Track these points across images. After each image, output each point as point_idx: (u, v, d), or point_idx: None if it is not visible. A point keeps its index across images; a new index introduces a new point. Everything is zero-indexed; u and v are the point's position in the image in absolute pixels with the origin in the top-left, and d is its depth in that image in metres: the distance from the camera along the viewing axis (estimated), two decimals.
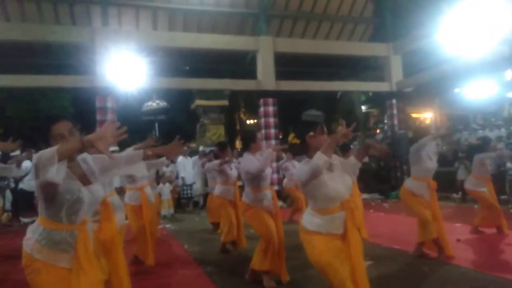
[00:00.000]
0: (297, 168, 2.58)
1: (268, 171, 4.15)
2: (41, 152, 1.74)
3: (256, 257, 3.93)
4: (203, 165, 8.02)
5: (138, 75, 9.87)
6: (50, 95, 15.98)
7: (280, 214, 4.17)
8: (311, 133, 2.51)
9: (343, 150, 5.73)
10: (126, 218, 4.53)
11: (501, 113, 12.82)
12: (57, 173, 1.73)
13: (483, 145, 5.96)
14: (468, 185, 6.05)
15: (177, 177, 10.69)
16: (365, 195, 11.21)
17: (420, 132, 5.06)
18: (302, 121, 2.76)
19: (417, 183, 4.72)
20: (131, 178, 4.78)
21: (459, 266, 4.29)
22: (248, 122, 18.20)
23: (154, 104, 15.34)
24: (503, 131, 10.81)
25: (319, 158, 2.29)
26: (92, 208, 2.16)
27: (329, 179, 2.44)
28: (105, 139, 1.74)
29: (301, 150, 2.58)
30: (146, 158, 2.67)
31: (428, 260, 4.53)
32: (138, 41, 10.42)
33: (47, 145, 1.97)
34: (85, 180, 2.06)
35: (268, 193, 4.10)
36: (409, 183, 4.84)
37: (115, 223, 3.03)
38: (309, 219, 2.52)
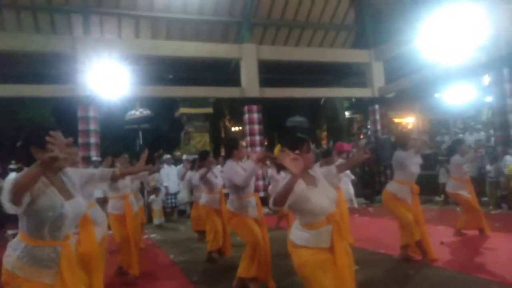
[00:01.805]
0: (281, 179, 2.57)
1: (252, 178, 4.14)
2: (8, 180, 1.72)
3: (243, 264, 3.90)
4: (182, 177, 7.89)
5: (121, 83, 9.77)
6: (30, 105, 15.66)
7: (265, 221, 4.15)
8: (297, 152, 2.49)
9: (325, 156, 5.77)
10: (109, 228, 4.46)
11: (480, 117, 13.13)
12: (14, 205, 1.75)
13: (453, 147, 6.06)
14: (448, 188, 6.14)
15: (160, 187, 10.58)
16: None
17: (400, 138, 5.08)
18: (290, 137, 2.76)
19: (400, 187, 4.75)
20: (114, 187, 4.71)
21: (444, 268, 4.33)
22: (233, 129, 18.17)
23: (137, 112, 15.16)
24: (482, 135, 11.06)
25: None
26: (75, 222, 2.13)
27: (312, 194, 2.43)
28: (60, 153, 1.69)
29: (284, 168, 2.56)
30: (114, 178, 2.64)
31: (413, 263, 4.56)
32: (121, 49, 10.33)
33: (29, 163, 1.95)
34: (67, 194, 2.03)
35: (253, 200, 4.08)
36: (392, 187, 4.86)
37: (94, 236, 2.97)
38: (296, 234, 2.53)
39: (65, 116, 11.99)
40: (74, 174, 2.15)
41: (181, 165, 10.03)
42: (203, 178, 5.40)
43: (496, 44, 8.72)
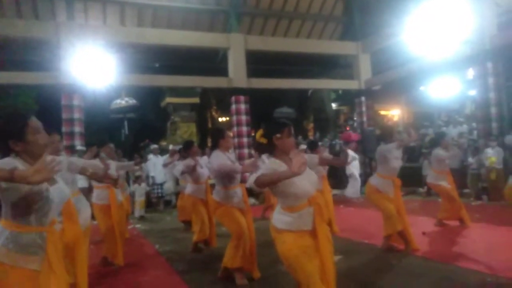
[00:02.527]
0: (265, 166, 2.59)
1: (237, 167, 4.14)
2: None
3: (228, 254, 3.92)
4: (166, 165, 7.88)
5: (106, 71, 9.59)
6: (13, 93, 15.30)
7: (251, 211, 4.17)
8: (278, 135, 2.55)
9: (311, 148, 5.83)
10: (94, 218, 4.42)
11: (463, 110, 13.37)
12: None
13: (436, 140, 6.26)
14: (429, 180, 6.30)
15: (147, 176, 10.52)
16: (336, 191, 11.43)
17: (385, 131, 5.22)
18: (272, 121, 2.80)
19: (383, 181, 4.86)
20: None
21: (426, 258, 4.43)
22: (220, 119, 18.11)
23: (123, 101, 14.96)
24: (465, 128, 11.27)
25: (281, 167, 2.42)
26: (60, 207, 2.12)
27: (295, 178, 2.45)
28: (41, 174, 1.69)
29: (267, 150, 2.64)
30: (83, 172, 2.59)
31: (396, 253, 4.65)
32: (106, 36, 10.13)
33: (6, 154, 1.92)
34: (51, 181, 2.03)
35: (239, 190, 4.09)
36: (374, 180, 4.97)
37: (78, 225, 2.94)
38: (279, 218, 2.56)
39: (49, 104, 11.76)
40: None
41: (167, 155, 10.00)
42: (187, 172, 5.42)
43: (480, 39, 8.84)
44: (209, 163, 4.57)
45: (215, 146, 4.13)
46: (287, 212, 2.52)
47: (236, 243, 3.86)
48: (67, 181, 2.54)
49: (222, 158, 3.99)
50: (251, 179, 2.48)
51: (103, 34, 10.13)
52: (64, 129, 9.47)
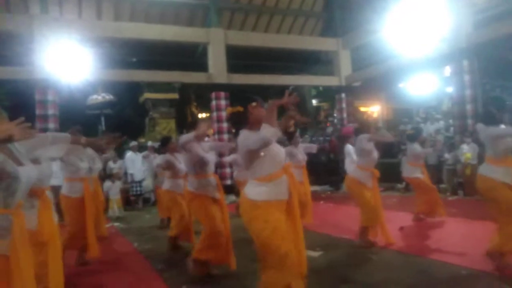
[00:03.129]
0: (243, 137, 2.59)
1: (212, 157, 4.17)
2: None
3: (200, 246, 3.90)
4: (145, 156, 7.75)
5: (82, 66, 9.37)
6: None
7: (225, 203, 4.16)
8: (254, 104, 2.65)
9: (289, 138, 5.87)
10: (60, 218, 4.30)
11: (440, 107, 13.64)
12: None
13: (415, 135, 6.40)
14: (405, 173, 6.43)
15: (125, 174, 10.32)
16: (316, 187, 11.49)
17: (361, 125, 5.31)
18: (242, 96, 2.87)
19: (362, 172, 4.93)
20: (73, 167, 4.50)
21: (404, 252, 4.50)
22: (200, 116, 17.94)
23: (99, 97, 14.60)
24: (441, 124, 11.49)
25: (268, 131, 2.40)
26: (27, 189, 2.05)
27: (272, 145, 2.58)
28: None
29: (242, 119, 2.67)
30: (75, 142, 2.51)
31: (375, 248, 4.69)
32: (81, 30, 9.87)
33: None
34: (16, 162, 1.96)
35: (213, 179, 4.07)
36: (355, 172, 5.02)
37: (53, 216, 2.82)
38: (256, 190, 2.58)
39: (22, 100, 11.38)
40: (20, 144, 2.05)
41: (146, 151, 9.84)
42: (165, 168, 5.36)
43: (457, 37, 9.01)
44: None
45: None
46: (264, 182, 2.55)
47: (209, 235, 3.84)
48: (43, 174, 2.44)
49: (193, 146, 3.99)
50: (255, 138, 2.46)
51: (79, 28, 9.86)
52: (38, 125, 9.20)
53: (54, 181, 4.68)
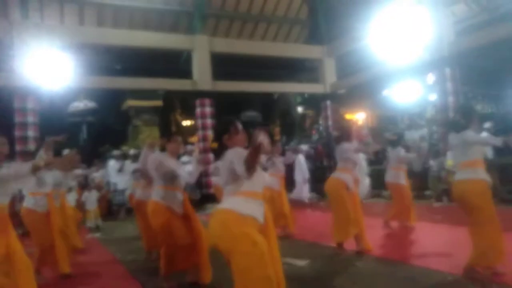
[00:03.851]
0: (234, 152, 2.47)
1: (183, 173, 4.11)
2: None
3: (163, 262, 3.85)
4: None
5: (63, 73, 9.18)
6: None
7: (195, 214, 4.06)
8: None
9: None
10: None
11: (424, 114, 13.82)
12: None
13: (397, 140, 6.56)
14: (388, 178, 6.42)
15: (107, 183, 10.09)
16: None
17: (343, 132, 5.35)
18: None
19: (348, 176, 4.90)
20: (39, 181, 4.37)
21: (390, 259, 4.52)
22: (184, 123, 17.78)
23: (81, 104, 14.34)
24: (425, 131, 11.63)
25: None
26: None
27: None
28: None
29: (222, 152, 2.57)
30: (37, 170, 2.41)
31: (361, 256, 4.68)
32: (63, 37, 9.68)
33: None
34: None
35: (179, 194, 3.99)
36: (342, 176, 4.93)
37: (14, 235, 2.69)
38: (242, 203, 2.40)
39: (0, 107, 11.08)
40: None
41: (128, 160, 9.65)
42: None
43: (439, 46, 9.15)
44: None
45: (163, 150, 4.10)
46: (249, 198, 2.42)
47: (165, 252, 3.82)
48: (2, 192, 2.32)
49: (162, 159, 3.99)
50: (245, 168, 2.31)
51: (61, 34, 9.68)
52: (17, 133, 8.94)
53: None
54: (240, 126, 2.61)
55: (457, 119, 3.79)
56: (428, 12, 8.87)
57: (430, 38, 8.93)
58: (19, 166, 2.17)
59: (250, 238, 2.28)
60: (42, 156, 4.47)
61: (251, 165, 2.27)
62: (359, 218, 4.81)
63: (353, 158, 4.90)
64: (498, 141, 3.63)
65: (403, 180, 6.23)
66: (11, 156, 4.25)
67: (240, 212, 2.36)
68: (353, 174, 4.94)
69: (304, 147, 11.90)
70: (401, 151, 6.28)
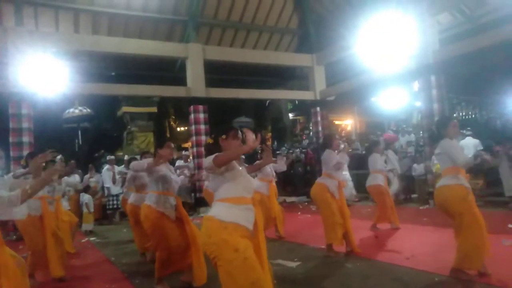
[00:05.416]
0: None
1: (176, 179, 4.24)
2: None
3: (157, 265, 3.95)
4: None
5: (58, 80, 9.26)
6: None
7: (188, 218, 4.15)
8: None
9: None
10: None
11: (410, 120, 14.17)
12: None
13: (372, 146, 6.84)
14: (369, 182, 6.62)
15: (102, 188, 10.20)
16: (293, 198, 11.67)
17: (326, 139, 5.56)
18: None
19: (331, 181, 5.06)
20: None
21: (379, 261, 4.63)
22: (178, 129, 17.93)
23: (76, 110, 14.39)
24: (412, 136, 11.94)
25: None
26: None
27: (243, 171, 2.59)
28: None
29: (213, 150, 2.62)
30: (25, 197, 2.47)
31: (351, 257, 4.82)
32: (58, 44, 9.78)
33: None
34: None
35: (172, 199, 4.08)
36: (325, 181, 5.09)
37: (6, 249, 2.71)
38: (223, 210, 2.44)
39: None
40: None
41: (123, 166, 9.78)
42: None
43: (424, 54, 9.46)
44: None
45: (154, 155, 4.20)
46: (234, 204, 2.44)
47: (160, 257, 3.92)
48: None
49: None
50: (207, 161, 2.47)
51: (55, 41, 9.77)
52: (11, 139, 9.02)
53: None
54: (240, 134, 2.65)
55: (433, 130, 4.01)
56: (413, 21, 9.17)
57: (415, 46, 9.22)
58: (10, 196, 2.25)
59: (231, 245, 2.30)
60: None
61: (222, 158, 2.40)
62: (346, 221, 4.95)
63: (336, 164, 5.02)
64: (470, 160, 3.69)
65: (382, 182, 6.47)
66: (5, 162, 4.26)
67: (221, 219, 2.39)
68: (337, 178, 5.07)
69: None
70: (377, 156, 6.56)
